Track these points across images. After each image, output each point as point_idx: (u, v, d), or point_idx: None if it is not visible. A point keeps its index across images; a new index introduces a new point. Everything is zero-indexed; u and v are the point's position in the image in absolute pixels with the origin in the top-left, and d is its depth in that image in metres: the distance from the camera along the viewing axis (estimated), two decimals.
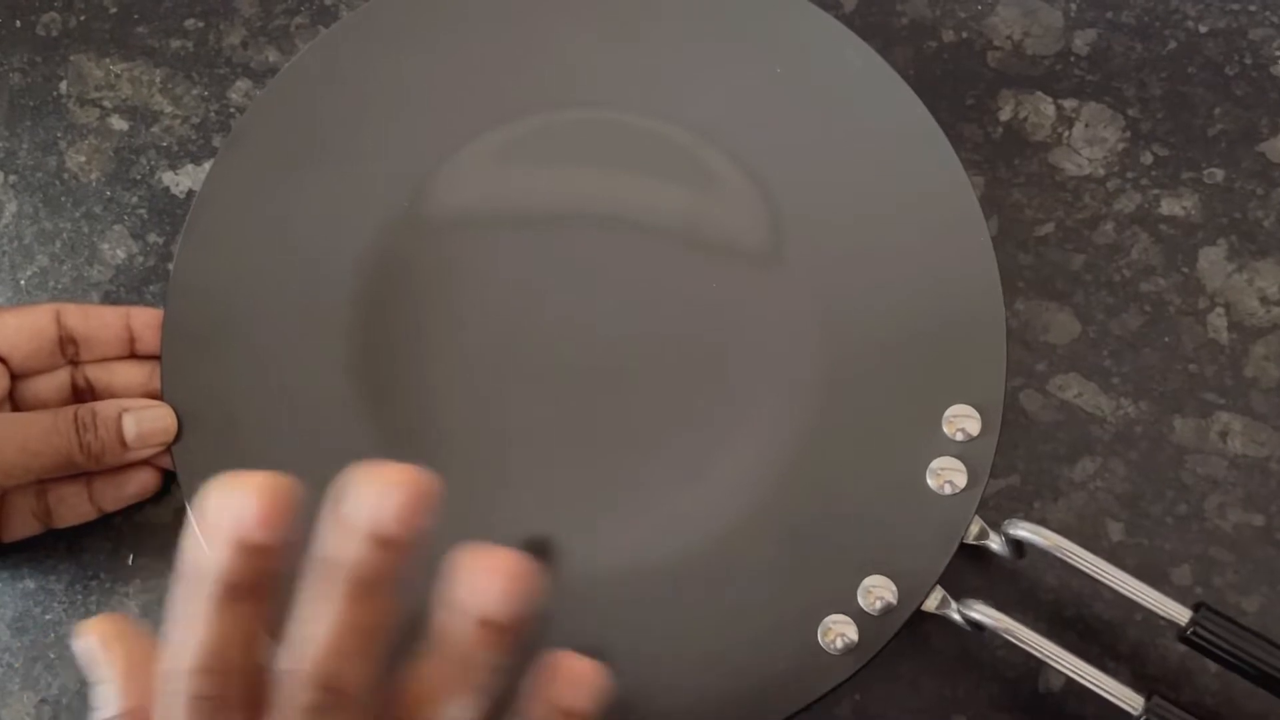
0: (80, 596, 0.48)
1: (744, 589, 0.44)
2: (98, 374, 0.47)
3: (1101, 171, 0.51)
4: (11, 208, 0.53)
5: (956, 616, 0.43)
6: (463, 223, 0.49)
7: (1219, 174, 0.51)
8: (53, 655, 0.47)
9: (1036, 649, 0.41)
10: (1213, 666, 0.44)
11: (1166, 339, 0.49)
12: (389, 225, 0.49)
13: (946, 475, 0.44)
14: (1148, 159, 0.51)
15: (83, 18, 0.56)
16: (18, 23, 0.56)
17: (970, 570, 0.46)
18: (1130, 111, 0.52)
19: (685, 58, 0.50)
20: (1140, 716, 0.39)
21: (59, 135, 0.54)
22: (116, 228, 0.53)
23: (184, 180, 0.53)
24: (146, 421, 0.45)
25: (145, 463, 0.47)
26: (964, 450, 0.44)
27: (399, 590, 0.32)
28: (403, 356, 0.48)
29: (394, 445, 0.46)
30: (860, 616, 0.42)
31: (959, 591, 0.43)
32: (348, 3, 0.55)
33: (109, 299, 0.51)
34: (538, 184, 0.50)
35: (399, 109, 0.50)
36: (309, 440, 0.46)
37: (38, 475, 0.44)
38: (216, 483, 0.32)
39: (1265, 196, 0.50)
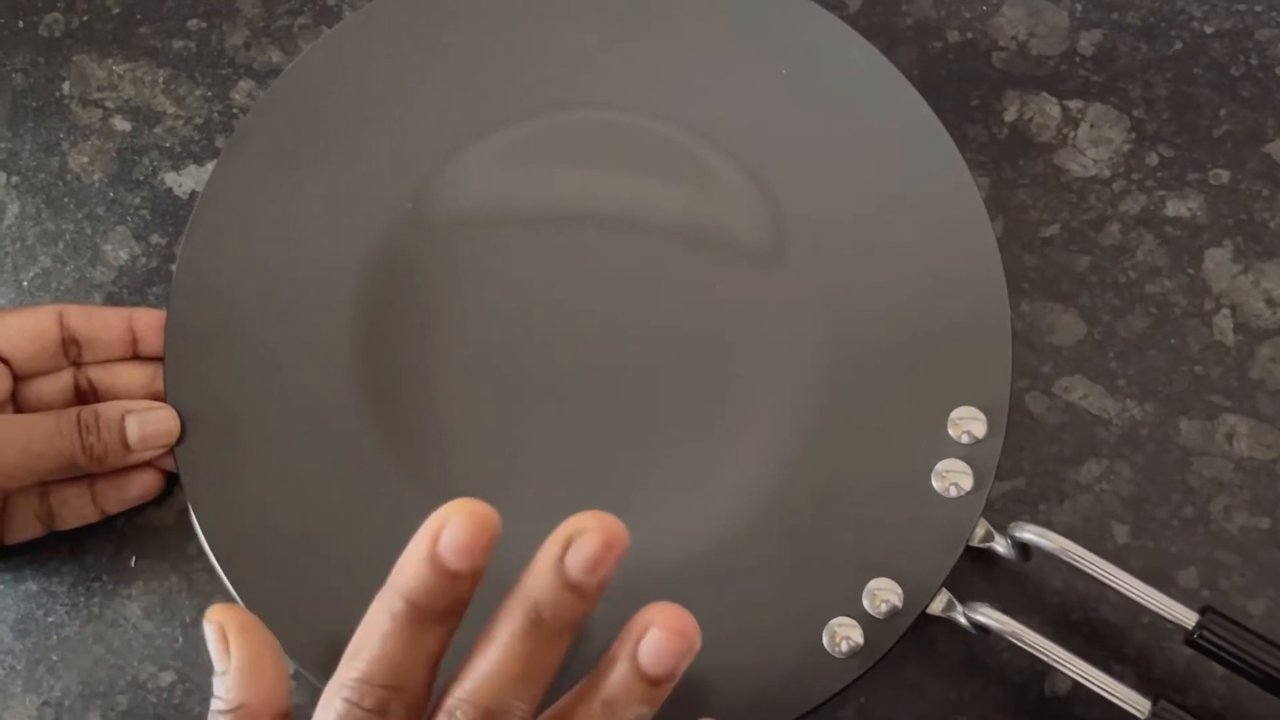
0: (83, 599, 0.48)
1: (748, 591, 0.44)
2: (100, 375, 0.47)
3: (1107, 172, 0.51)
4: (14, 209, 0.53)
5: (962, 620, 0.42)
6: (465, 223, 0.49)
7: (1225, 175, 0.51)
8: (55, 658, 0.47)
9: (1042, 652, 0.41)
10: (1219, 670, 0.44)
11: (1172, 341, 0.49)
12: (392, 226, 0.49)
13: (952, 477, 0.44)
14: (1153, 160, 0.51)
15: (85, 18, 0.56)
16: (20, 23, 0.56)
17: (976, 573, 0.46)
18: (1136, 112, 0.52)
19: (689, 58, 0.50)
20: None
21: (61, 136, 0.54)
22: (119, 229, 0.52)
23: (187, 181, 0.53)
24: (149, 423, 0.45)
25: (148, 464, 0.47)
26: (969, 452, 0.44)
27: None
28: (405, 357, 0.48)
29: (396, 446, 0.46)
30: (865, 619, 0.42)
31: (964, 594, 0.43)
32: (350, 3, 0.55)
33: (111, 300, 0.51)
34: (541, 184, 0.50)
35: (402, 109, 0.50)
36: (312, 441, 0.46)
37: (40, 477, 0.44)
38: (445, 507, 0.32)
39: (1271, 198, 0.50)
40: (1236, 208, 0.50)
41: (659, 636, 0.32)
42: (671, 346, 0.48)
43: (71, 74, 0.55)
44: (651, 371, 0.47)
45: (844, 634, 0.42)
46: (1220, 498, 0.47)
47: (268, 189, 0.49)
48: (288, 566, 0.44)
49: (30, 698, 0.47)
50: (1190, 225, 0.50)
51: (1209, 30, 0.53)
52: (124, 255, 0.52)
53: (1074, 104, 0.52)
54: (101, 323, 0.47)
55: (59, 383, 0.47)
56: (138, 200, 0.53)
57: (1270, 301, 0.49)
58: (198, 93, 0.54)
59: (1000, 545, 0.43)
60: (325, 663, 0.42)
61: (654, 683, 0.33)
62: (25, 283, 0.52)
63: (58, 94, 0.55)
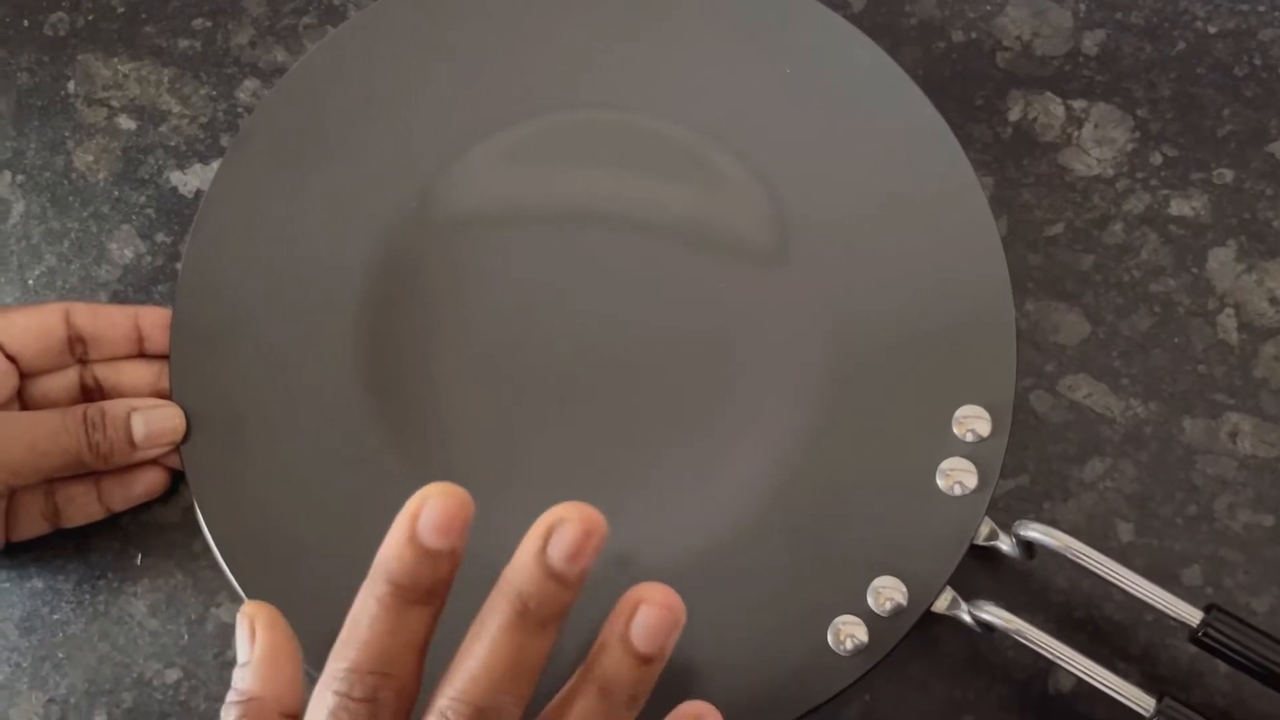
0: (88, 596, 0.48)
1: (752, 590, 0.44)
2: (106, 373, 0.47)
3: (1111, 172, 0.51)
4: (19, 207, 0.53)
5: (966, 618, 0.42)
6: (470, 223, 0.49)
7: (1228, 175, 0.51)
8: (61, 655, 0.47)
9: (1047, 650, 0.41)
10: (1223, 668, 0.44)
11: (1176, 340, 0.49)
12: (397, 225, 0.49)
13: (956, 476, 0.44)
14: (1157, 159, 0.51)
15: (90, 17, 0.56)
16: (25, 22, 0.56)
17: (980, 571, 0.46)
18: (1139, 112, 0.52)
19: (693, 58, 0.50)
20: (1152, 718, 0.39)
21: (67, 135, 0.54)
22: (124, 227, 0.53)
23: (192, 180, 0.53)
24: (155, 421, 0.45)
25: (153, 462, 0.47)
26: (974, 451, 0.44)
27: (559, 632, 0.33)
28: (410, 356, 0.48)
29: (401, 445, 0.46)
30: (870, 617, 0.42)
31: (969, 593, 0.43)
32: (355, 2, 0.55)
33: (117, 299, 0.51)
34: (545, 184, 0.50)
35: (407, 109, 0.50)
36: (317, 440, 0.46)
37: (46, 474, 0.44)
38: (418, 493, 0.33)
39: (1275, 197, 0.50)
40: (1240, 207, 0.50)
41: (648, 612, 0.33)
42: (676, 345, 0.48)
43: (76, 73, 0.55)
44: (656, 370, 0.47)
45: (849, 632, 0.42)
46: (1224, 496, 0.47)
47: (273, 188, 0.49)
48: (292, 564, 0.45)
49: (36, 695, 0.47)
50: (1194, 225, 0.50)
51: (1212, 30, 0.53)
52: (129, 254, 0.52)
53: (1078, 104, 0.52)
54: (107, 321, 0.47)
55: (65, 380, 0.47)
56: (143, 199, 0.53)
57: (1274, 300, 0.49)
58: (203, 92, 0.54)
59: (1005, 543, 0.43)
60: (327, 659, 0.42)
61: (645, 660, 0.33)
62: (30, 281, 0.52)
63: (63, 93, 0.55)
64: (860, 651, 0.42)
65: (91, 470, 0.45)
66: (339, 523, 0.45)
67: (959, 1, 0.54)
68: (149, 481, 0.47)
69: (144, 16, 0.55)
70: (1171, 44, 0.53)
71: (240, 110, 0.54)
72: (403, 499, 0.45)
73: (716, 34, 0.51)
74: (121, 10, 0.56)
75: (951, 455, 0.44)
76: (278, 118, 0.50)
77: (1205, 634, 0.40)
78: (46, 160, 0.54)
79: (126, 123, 0.54)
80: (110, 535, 0.48)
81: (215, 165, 0.52)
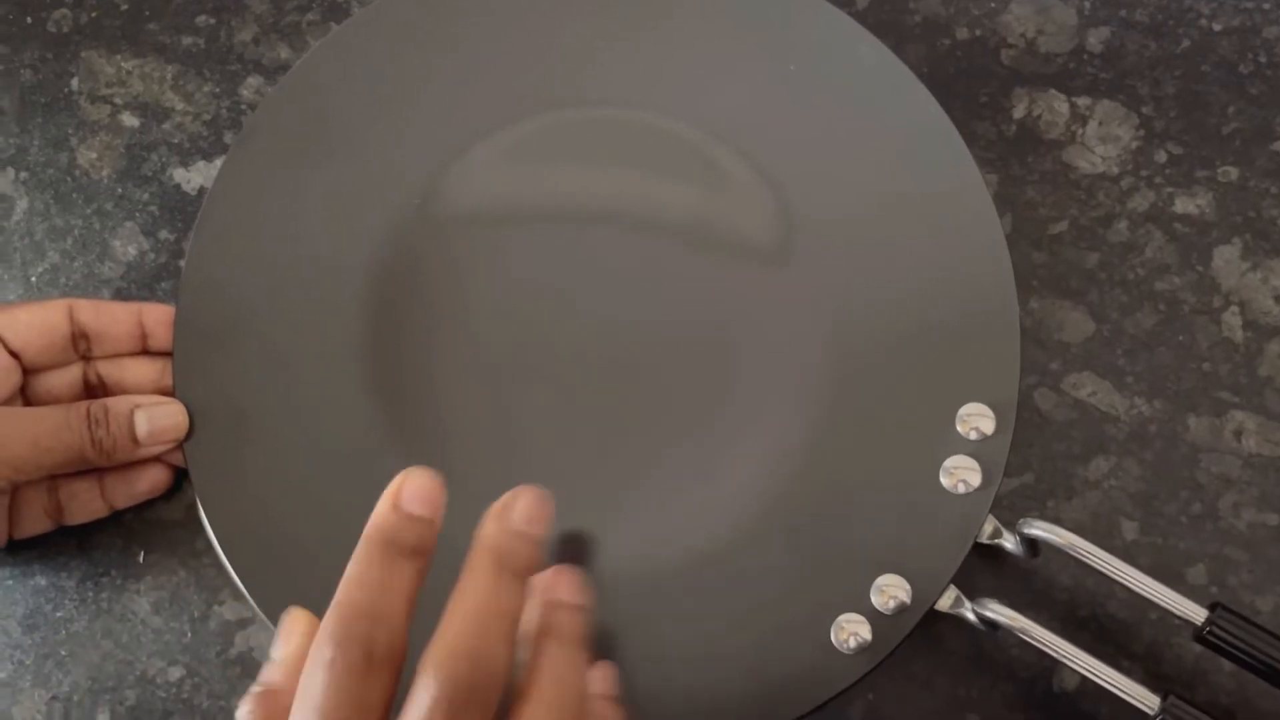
0: (91, 593, 0.48)
1: (756, 588, 0.44)
2: (110, 370, 0.47)
3: (1115, 169, 0.51)
4: (23, 204, 0.53)
5: (970, 616, 0.42)
6: (474, 220, 0.49)
7: (1233, 172, 0.51)
8: (64, 652, 0.47)
9: (1051, 648, 0.41)
10: (1227, 666, 0.44)
11: (1181, 338, 0.49)
12: (400, 222, 0.49)
13: (960, 474, 0.44)
14: (1161, 157, 0.51)
15: (94, 14, 0.56)
16: (29, 19, 0.56)
17: (984, 569, 0.46)
18: (1144, 109, 0.52)
19: (698, 55, 0.50)
20: (1156, 716, 0.39)
21: (70, 132, 0.54)
22: (128, 224, 0.53)
23: (195, 177, 0.53)
24: (158, 418, 0.45)
25: (157, 459, 0.47)
26: (978, 449, 0.44)
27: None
28: (413, 353, 0.48)
29: (404, 442, 0.46)
30: (873, 615, 0.42)
31: (973, 591, 0.43)
32: None
33: (120, 296, 0.51)
34: (548, 182, 0.50)
35: (410, 106, 0.50)
36: (320, 437, 0.46)
37: (49, 471, 0.44)
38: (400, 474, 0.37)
39: (1279, 195, 0.50)
40: (1245, 205, 0.50)
41: (569, 576, 0.39)
42: (679, 343, 0.48)
43: (80, 70, 0.55)
44: (659, 368, 0.47)
45: (852, 630, 0.42)
46: (1229, 494, 0.47)
47: (276, 185, 0.49)
48: (295, 561, 0.45)
49: (39, 692, 0.47)
50: (1199, 222, 0.50)
51: (1217, 28, 0.53)
52: (133, 251, 0.52)
53: (1082, 101, 0.52)
54: (111, 317, 0.47)
55: (68, 377, 0.47)
56: (146, 196, 0.53)
57: (1279, 298, 0.49)
58: (206, 89, 0.54)
59: (1009, 541, 0.43)
60: None
61: (574, 609, 0.38)
62: (34, 278, 0.52)
63: (66, 90, 0.55)
64: (864, 650, 0.42)
65: (94, 467, 0.45)
66: (341, 520, 0.45)
67: None
68: (152, 479, 0.47)
69: (147, 13, 0.55)
70: (1176, 41, 0.53)
71: (243, 107, 0.54)
72: None
73: (720, 31, 0.50)
74: (125, 7, 0.56)
75: (955, 453, 0.44)
76: (281, 115, 0.50)
77: (1210, 632, 0.40)
78: (50, 157, 0.54)
79: (130, 120, 0.54)
80: (113, 533, 0.48)
81: (218, 162, 0.52)
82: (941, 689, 0.45)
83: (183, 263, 0.49)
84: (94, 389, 0.47)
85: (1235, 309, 0.49)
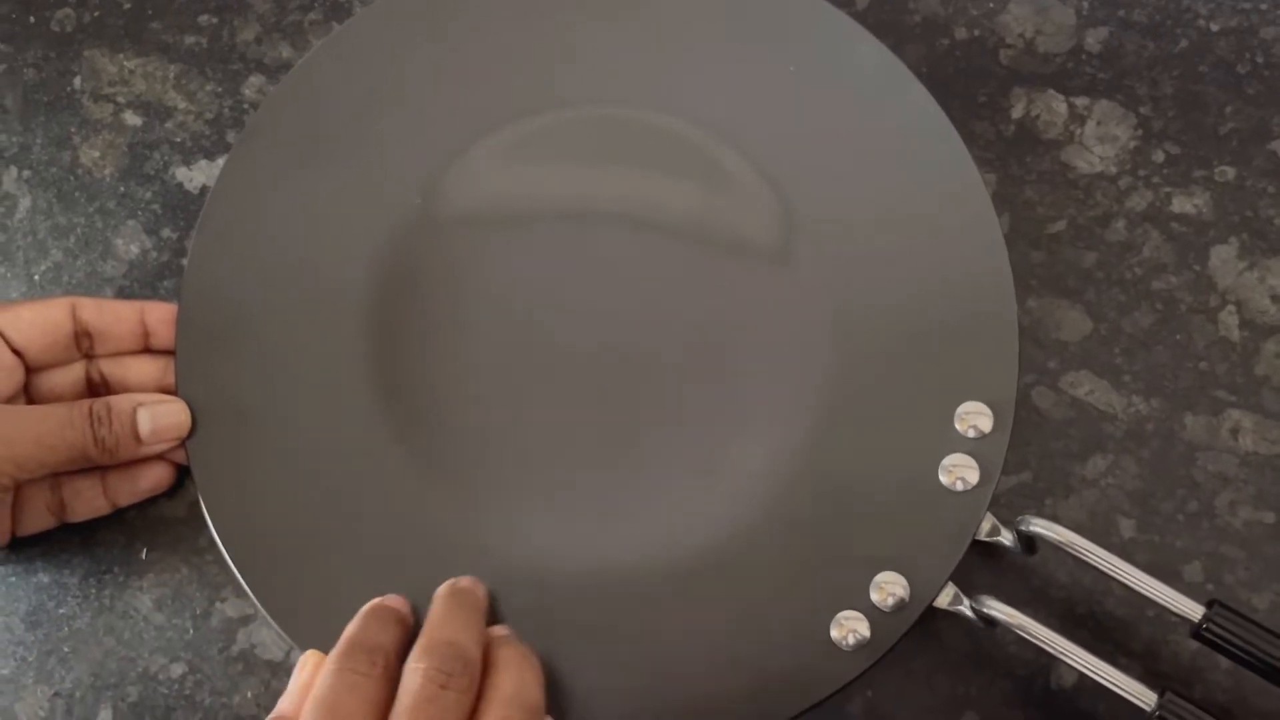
0: (94, 590, 0.48)
1: (755, 585, 0.44)
2: (112, 368, 0.47)
3: (1113, 169, 0.51)
4: (25, 203, 0.53)
5: (969, 613, 0.43)
6: (475, 218, 0.50)
7: (1230, 172, 0.51)
8: (66, 649, 0.47)
9: (1049, 645, 0.41)
10: (1224, 663, 0.44)
11: (1178, 337, 0.49)
12: (401, 220, 0.49)
13: (958, 472, 0.44)
14: (1159, 157, 0.51)
15: (97, 13, 0.56)
16: (32, 18, 0.56)
17: (982, 567, 0.46)
18: (1142, 109, 0.52)
19: (698, 55, 0.51)
20: (1154, 712, 0.39)
21: (73, 130, 0.54)
22: (130, 223, 0.53)
23: (197, 176, 0.53)
24: (160, 416, 0.46)
25: (159, 457, 0.47)
26: (976, 447, 0.44)
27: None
28: (415, 352, 0.48)
29: (406, 440, 0.46)
30: (872, 612, 0.43)
31: (971, 588, 0.43)
32: None
33: (123, 294, 0.52)
34: (550, 181, 0.50)
35: (412, 105, 0.50)
36: (322, 435, 0.46)
37: (52, 469, 0.45)
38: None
39: (1276, 194, 0.50)
40: (1242, 205, 0.50)
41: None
42: (679, 342, 0.48)
43: (83, 69, 0.55)
44: (659, 366, 0.47)
45: (851, 627, 0.42)
46: (1225, 493, 0.47)
47: (278, 184, 0.49)
48: (298, 558, 0.45)
49: (42, 689, 0.47)
50: (1196, 222, 0.50)
51: (1215, 28, 0.53)
52: (135, 249, 0.52)
53: (1080, 101, 0.52)
54: (114, 316, 0.47)
55: (71, 375, 0.47)
56: (149, 195, 0.53)
57: (1276, 298, 0.49)
58: (209, 88, 0.54)
59: (1007, 539, 0.43)
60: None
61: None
62: (37, 276, 0.52)
63: (69, 89, 0.55)
64: (863, 646, 0.42)
65: (97, 465, 0.46)
66: (343, 517, 0.45)
67: None
68: (155, 476, 0.47)
69: (150, 13, 0.56)
70: (1174, 42, 0.53)
71: (246, 106, 0.54)
72: (408, 493, 0.46)
73: (721, 31, 0.51)
74: (128, 6, 0.56)
75: (954, 451, 0.44)
76: (283, 114, 0.50)
77: (1207, 629, 0.40)
78: (53, 156, 0.54)
79: (132, 118, 0.54)
80: (116, 530, 0.48)
81: (221, 161, 0.53)
82: (940, 686, 0.45)
83: (185, 261, 0.49)
84: (96, 387, 0.47)
85: (1232, 308, 0.49)
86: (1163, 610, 0.41)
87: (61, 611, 0.48)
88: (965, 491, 0.44)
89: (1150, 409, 0.48)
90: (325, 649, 0.42)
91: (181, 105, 0.54)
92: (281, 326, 0.48)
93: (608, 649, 0.43)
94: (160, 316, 0.47)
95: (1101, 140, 0.51)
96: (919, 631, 0.42)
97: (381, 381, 0.47)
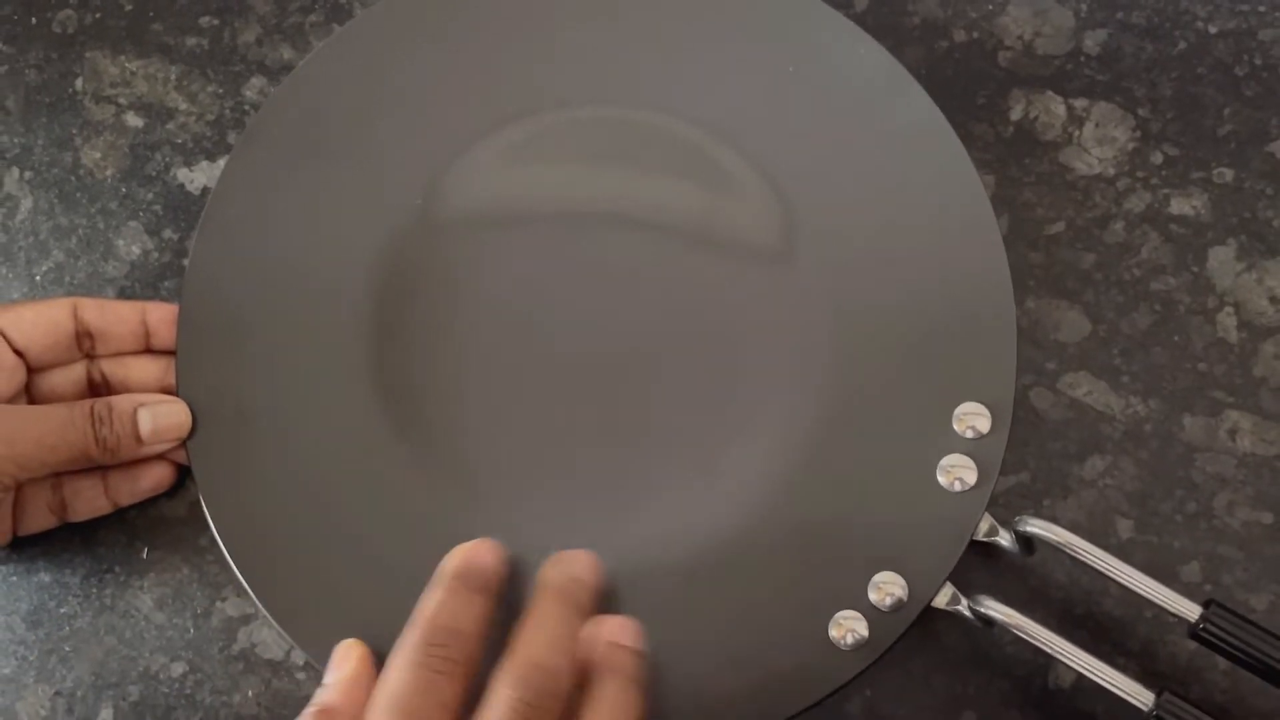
0: (95, 590, 0.48)
1: (754, 585, 0.44)
2: (113, 368, 0.47)
3: (1112, 171, 0.51)
4: (27, 204, 0.53)
5: (967, 613, 0.43)
6: (475, 219, 0.50)
7: (1229, 174, 0.51)
8: (67, 648, 0.47)
9: (1047, 645, 0.41)
10: (1222, 663, 0.44)
11: (1176, 338, 0.49)
12: (402, 221, 0.49)
13: (957, 472, 0.44)
14: (1158, 159, 0.51)
15: (98, 15, 0.56)
16: (33, 20, 0.56)
17: (980, 567, 0.46)
18: (1140, 111, 0.52)
19: (698, 56, 0.51)
20: (1151, 712, 0.39)
21: (74, 132, 0.54)
22: (131, 224, 0.53)
23: (199, 177, 0.53)
24: (162, 416, 0.46)
25: (160, 457, 0.47)
26: (974, 447, 0.44)
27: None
28: (416, 352, 0.48)
29: (407, 440, 0.47)
30: (871, 612, 0.43)
31: (969, 588, 0.43)
32: (361, 0, 0.56)
33: (124, 295, 0.52)
34: (550, 181, 0.50)
35: (413, 106, 0.50)
36: (323, 435, 0.47)
37: (53, 469, 0.45)
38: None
39: (1275, 196, 0.50)
40: (1240, 206, 0.50)
41: (627, 623, 0.41)
42: (678, 341, 0.48)
43: (84, 70, 0.55)
44: (658, 367, 0.48)
45: (849, 627, 0.42)
46: (1223, 493, 0.47)
47: (279, 185, 0.49)
48: (298, 558, 0.45)
49: (43, 688, 0.47)
50: (1194, 223, 0.50)
51: (1213, 30, 0.53)
52: (136, 250, 0.52)
53: (1079, 103, 0.52)
54: (115, 316, 0.47)
55: (72, 375, 0.47)
56: (150, 196, 0.53)
57: (1274, 299, 0.49)
58: (210, 89, 0.55)
59: (1005, 539, 0.44)
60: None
61: (636, 651, 0.41)
62: (38, 277, 0.52)
63: (71, 90, 0.55)
64: (861, 646, 0.42)
65: (98, 465, 0.46)
66: (344, 517, 0.46)
67: (961, 1, 0.54)
68: (156, 476, 0.47)
69: (152, 14, 0.56)
70: (1172, 44, 0.53)
71: (247, 108, 0.54)
72: (408, 493, 0.46)
73: (720, 32, 0.51)
74: (129, 8, 0.56)
75: (952, 452, 0.44)
76: (284, 115, 0.50)
77: (1204, 629, 0.40)
78: (54, 157, 0.54)
79: (134, 120, 0.54)
80: (117, 530, 0.48)
81: (222, 162, 0.53)
82: (938, 685, 0.45)
83: (186, 262, 0.49)
84: (98, 387, 0.48)
85: (1230, 309, 0.49)
86: (1160, 610, 0.41)
87: (63, 611, 0.48)
88: (963, 492, 0.44)
89: (1148, 410, 0.48)
90: (325, 647, 0.42)
91: (183, 106, 0.54)
92: (282, 327, 0.48)
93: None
94: (161, 317, 0.48)
95: (1100, 142, 0.52)
96: (917, 631, 0.43)
97: (382, 381, 0.47)
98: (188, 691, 0.47)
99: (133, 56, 0.55)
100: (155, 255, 0.52)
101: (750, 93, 0.50)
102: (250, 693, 0.47)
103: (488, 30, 0.51)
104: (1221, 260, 0.50)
